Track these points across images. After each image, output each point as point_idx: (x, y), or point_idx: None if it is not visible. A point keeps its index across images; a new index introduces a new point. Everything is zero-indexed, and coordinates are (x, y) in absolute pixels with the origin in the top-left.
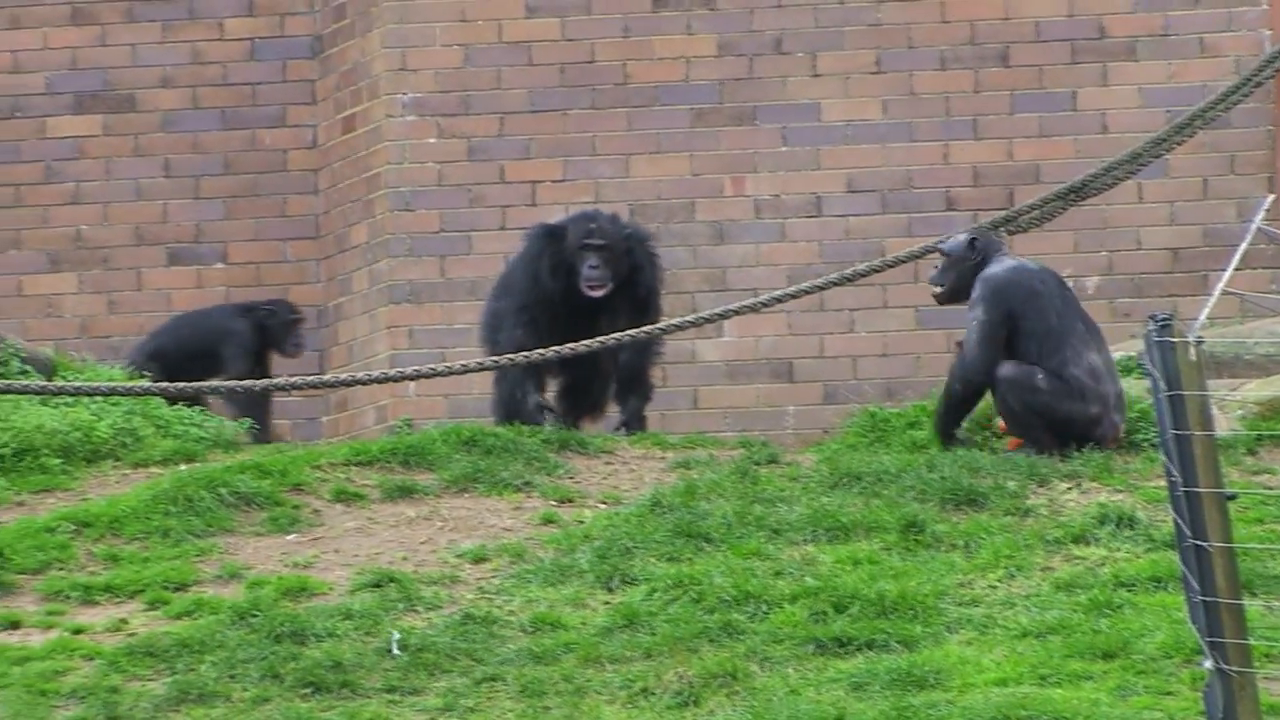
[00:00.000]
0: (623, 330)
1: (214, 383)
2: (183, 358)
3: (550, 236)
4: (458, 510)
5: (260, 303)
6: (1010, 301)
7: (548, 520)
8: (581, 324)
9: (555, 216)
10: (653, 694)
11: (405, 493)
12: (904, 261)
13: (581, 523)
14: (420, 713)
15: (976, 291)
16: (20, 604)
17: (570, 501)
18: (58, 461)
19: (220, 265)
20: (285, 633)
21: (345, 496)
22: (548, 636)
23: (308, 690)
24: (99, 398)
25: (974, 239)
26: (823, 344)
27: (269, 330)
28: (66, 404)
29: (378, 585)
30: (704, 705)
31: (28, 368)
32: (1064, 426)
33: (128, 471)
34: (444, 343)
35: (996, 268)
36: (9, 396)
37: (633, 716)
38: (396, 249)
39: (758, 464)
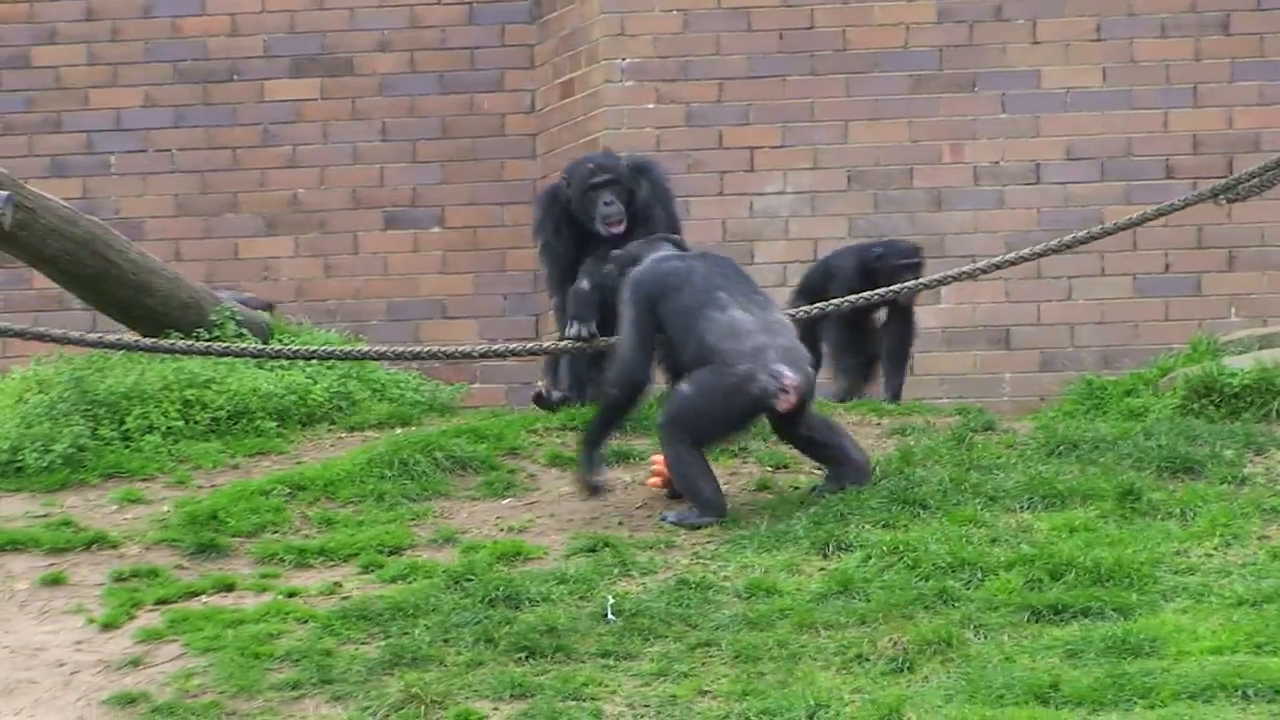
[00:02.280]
0: None
1: (402, 348)
2: (807, 299)
3: (551, 198)
4: None
5: (873, 242)
6: (647, 292)
7: (763, 486)
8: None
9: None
10: (867, 660)
11: (621, 458)
12: (1122, 229)
13: (797, 489)
14: (634, 677)
15: (623, 294)
16: (234, 567)
17: (785, 467)
18: (273, 424)
19: (437, 229)
20: (499, 597)
21: (560, 461)
22: (762, 602)
23: (522, 655)
24: (315, 361)
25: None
26: (1040, 311)
27: (875, 272)
28: (282, 367)
29: (593, 550)
30: (918, 672)
31: (244, 330)
32: (727, 412)
33: (342, 435)
34: None
35: (638, 267)
36: (225, 360)
37: (847, 683)
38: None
39: (974, 431)
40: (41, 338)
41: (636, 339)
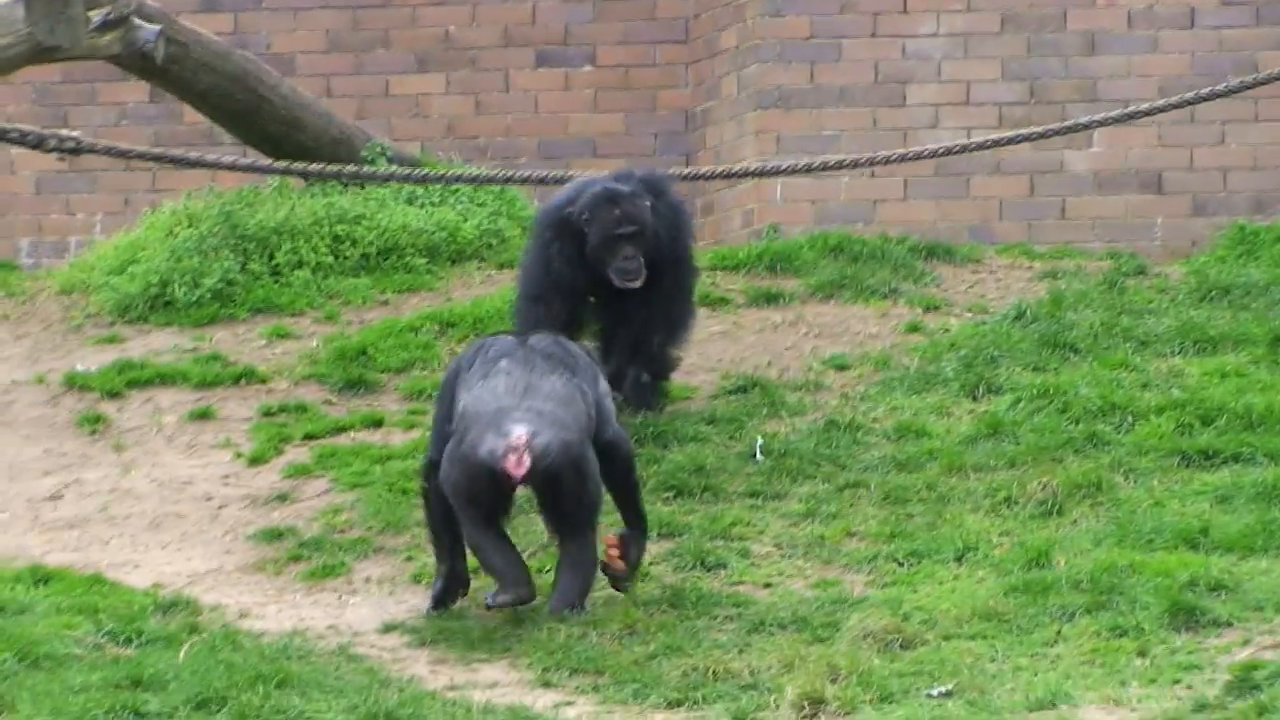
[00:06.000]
0: (647, 299)
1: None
2: None
3: (563, 224)
4: (823, 317)
5: None
6: (449, 376)
7: (913, 329)
8: (604, 301)
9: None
10: (1016, 503)
11: (771, 299)
12: (1277, 78)
13: (947, 331)
14: (782, 518)
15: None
16: (382, 403)
17: (936, 310)
18: (423, 261)
19: (588, 68)
20: (648, 436)
21: (711, 301)
22: (911, 444)
23: (670, 494)
24: (465, 198)
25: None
26: (1192, 156)
27: None
28: (432, 203)
29: (742, 390)
30: (1067, 515)
31: (394, 167)
32: (468, 482)
33: (492, 272)
34: (810, 149)
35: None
36: (375, 195)
37: (995, 525)
38: (766, 54)
39: (1125, 275)
40: (232, 167)
41: (434, 427)
